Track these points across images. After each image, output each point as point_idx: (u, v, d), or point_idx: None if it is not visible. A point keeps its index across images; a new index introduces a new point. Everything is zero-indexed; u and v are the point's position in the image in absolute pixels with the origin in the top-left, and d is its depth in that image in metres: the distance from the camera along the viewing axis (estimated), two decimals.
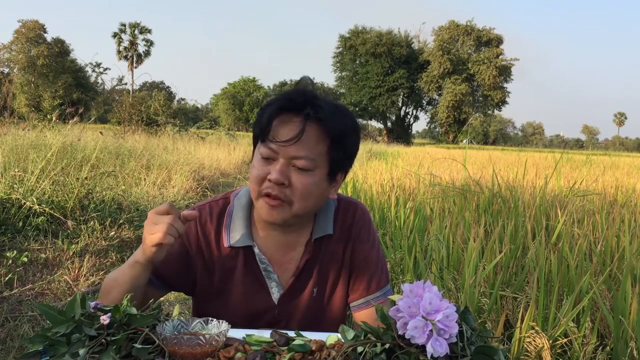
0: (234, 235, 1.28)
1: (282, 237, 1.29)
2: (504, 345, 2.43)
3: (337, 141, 1.19)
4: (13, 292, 3.30)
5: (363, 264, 1.34)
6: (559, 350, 2.40)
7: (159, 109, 20.87)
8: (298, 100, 1.17)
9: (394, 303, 0.87)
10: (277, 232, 1.28)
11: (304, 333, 1.06)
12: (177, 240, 1.22)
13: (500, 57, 58.69)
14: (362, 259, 1.34)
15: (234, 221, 1.29)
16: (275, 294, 1.29)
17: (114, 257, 4.27)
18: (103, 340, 0.89)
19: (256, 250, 1.28)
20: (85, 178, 5.40)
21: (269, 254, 1.29)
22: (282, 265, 1.30)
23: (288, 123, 1.15)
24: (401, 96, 62.48)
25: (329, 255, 1.32)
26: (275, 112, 1.16)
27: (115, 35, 57.25)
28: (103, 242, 4.44)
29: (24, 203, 4.46)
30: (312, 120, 1.16)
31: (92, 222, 4.65)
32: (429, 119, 66.29)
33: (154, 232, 1.08)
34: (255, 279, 1.29)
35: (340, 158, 1.21)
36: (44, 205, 4.55)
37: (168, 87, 72.61)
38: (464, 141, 56.68)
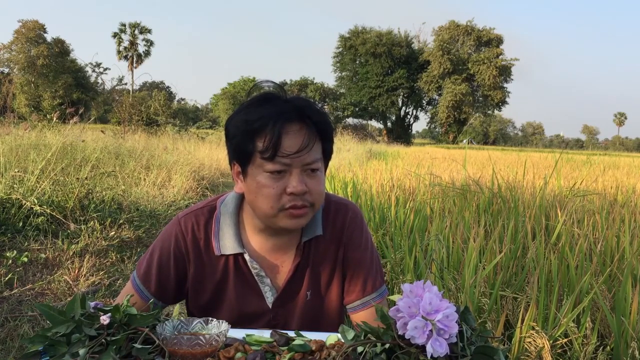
0: (224, 242, 1.28)
1: (273, 241, 1.29)
2: (504, 345, 2.43)
3: (326, 134, 1.21)
4: (13, 292, 3.30)
5: (357, 267, 1.33)
6: (559, 351, 2.39)
7: (159, 109, 20.91)
8: (289, 107, 1.16)
9: (393, 303, 0.87)
10: (268, 237, 1.28)
11: (304, 333, 1.06)
12: (169, 258, 1.27)
13: (500, 57, 58.61)
14: (356, 262, 1.33)
15: (222, 229, 1.29)
16: (270, 298, 1.29)
17: (114, 257, 4.27)
18: (103, 340, 0.89)
19: (247, 256, 1.28)
20: (85, 178, 5.40)
21: (260, 259, 1.29)
22: (274, 269, 1.30)
23: (289, 133, 1.14)
24: (401, 96, 62.36)
25: (320, 256, 1.32)
26: (282, 128, 1.13)
27: (115, 35, 57.13)
28: (103, 242, 4.43)
29: (24, 203, 4.46)
30: (307, 123, 1.17)
31: (92, 222, 4.65)
32: (429, 119, 66.22)
33: None
34: (248, 285, 1.29)
35: (329, 148, 1.24)
36: (44, 206, 4.55)
37: (168, 87, 72.60)
38: (464, 141, 56.62)
